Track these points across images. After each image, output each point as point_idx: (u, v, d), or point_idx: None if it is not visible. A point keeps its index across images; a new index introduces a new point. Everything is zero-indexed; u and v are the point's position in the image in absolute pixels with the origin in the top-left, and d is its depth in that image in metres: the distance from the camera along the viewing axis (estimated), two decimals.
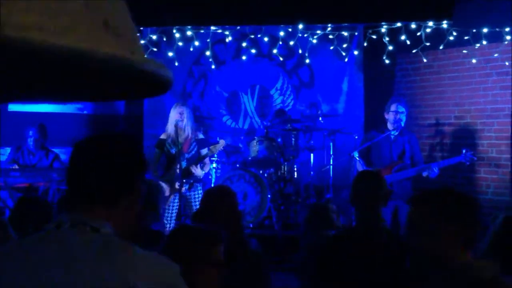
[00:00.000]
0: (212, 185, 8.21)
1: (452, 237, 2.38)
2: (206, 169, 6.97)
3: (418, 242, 2.46)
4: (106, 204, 1.88)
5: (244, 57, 8.76)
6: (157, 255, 1.86)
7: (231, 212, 3.68)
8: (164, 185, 6.66)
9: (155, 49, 7.59)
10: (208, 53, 8.60)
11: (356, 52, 8.48)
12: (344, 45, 7.50)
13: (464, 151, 6.56)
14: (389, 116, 6.82)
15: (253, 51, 8.81)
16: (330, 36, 7.35)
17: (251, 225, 7.87)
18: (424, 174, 6.60)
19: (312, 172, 8.45)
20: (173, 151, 6.72)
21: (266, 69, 9.28)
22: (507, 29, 6.93)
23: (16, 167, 7.42)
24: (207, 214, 3.66)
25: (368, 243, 3.54)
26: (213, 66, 8.61)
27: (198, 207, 6.59)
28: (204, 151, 6.79)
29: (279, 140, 8.47)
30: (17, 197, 6.97)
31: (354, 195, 3.92)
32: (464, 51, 7.46)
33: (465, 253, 2.39)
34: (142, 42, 7.56)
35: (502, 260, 2.44)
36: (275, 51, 8.60)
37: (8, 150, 8.11)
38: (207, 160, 6.88)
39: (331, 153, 8.28)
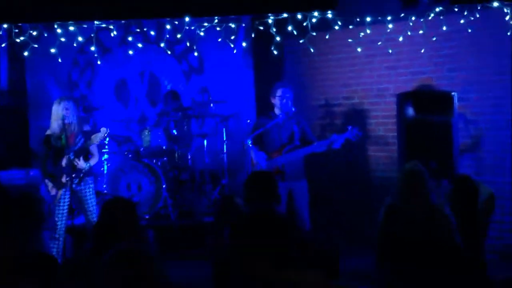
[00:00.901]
0: (105, 177, 8.02)
1: None
2: (94, 161, 6.74)
3: None
4: None
5: (130, 41, 8.47)
6: None
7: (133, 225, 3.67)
8: (49, 183, 6.48)
9: (35, 45, 7.26)
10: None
11: (244, 44, 8.46)
12: (232, 37, 7.46)
13: (350, 127, 6.71)
14: (276, 101, 6.90)
15: (140, 35, 8.53)
16: (218, 28, 7.29)
17: (147, 216, 7.76)
18: (322, 149, 6.71)
19: (206, 159, 8.42)
20: (59, 145, 6.51)
21: (154, 54, 9.10)
22: (389, 18, 7.16)
23: None
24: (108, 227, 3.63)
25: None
26: (95, 55, 8.31)
27: (90, 201, 6.52)
28: (88, 142, 6.57)
29: (171, 127, 8.37)
30: None
31: (247, 196, 3.96)
32: (349, 40, 7.64)
33: None
34: (22, 38, 7.20)
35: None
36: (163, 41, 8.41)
37: None
38: (95, 151, 6.67)
39: (224, 138, 8.28)
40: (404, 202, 4.62)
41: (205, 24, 7.32)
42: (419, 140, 6.87)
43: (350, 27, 7.36)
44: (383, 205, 4.84)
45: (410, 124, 7.01)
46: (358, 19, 7.12)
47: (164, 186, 7.82)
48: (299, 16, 6.89)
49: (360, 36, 7.46)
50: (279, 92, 6.87)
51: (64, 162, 6.44)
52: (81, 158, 6.47)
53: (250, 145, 6.80)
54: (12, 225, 4.08)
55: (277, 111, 6.91)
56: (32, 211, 4.47)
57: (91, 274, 3.50)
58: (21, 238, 4.02)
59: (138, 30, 8.19)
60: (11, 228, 4.07)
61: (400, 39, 7.36)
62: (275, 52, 7.27)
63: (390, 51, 7.65)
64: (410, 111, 7.02)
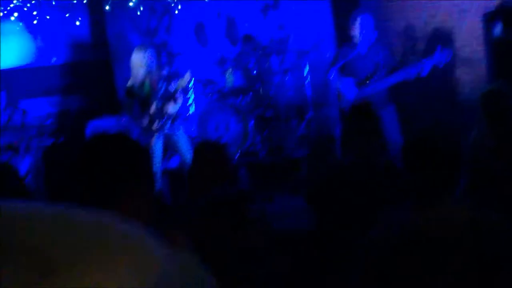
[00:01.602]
0: (192, 120, 8.18)
1: None
2: (180, 102, 6.87)
3: None
4: None
5: None
6: None
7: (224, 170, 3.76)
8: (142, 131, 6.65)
9: None
10: None
11: None
12: None
13: (439, 48, 6.52)
14: (356, 31, 6.76)
15: None
16: None
17: (237, 155, 7.90)
18: (410, 77, 6.56)
19: (290, 94, 8.44)
20: (143, 94, 6.64)
21: None
22: None
23: None
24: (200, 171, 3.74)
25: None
26: (175, 1, 8.40)
27: (182, 144, 6.69)
28: (173, 86, 6.67)
29: (252, 66, 8.39)
30: None
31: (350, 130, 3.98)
32: None
33: None
34: None
35: None
36: None
37: None
38: (178, 95, 6.78)
39: (305, 73, 8.26)
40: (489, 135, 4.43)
41: None
42: (509, 60, 6.63)
43: None
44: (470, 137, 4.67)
45: (498, 44, 6.76)
46: None
47: (250, 124, 7.91)
48: None
49: None
50: (358, 20, 6.74)
51: (152, 109, 6.58)
52: (172, 100, 6.59)
53: (334, 76, 6.74)
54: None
55: (359, 40, 6.78)
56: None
57: (189, 219, 3.63)
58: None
59: None
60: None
61: None
62: None
63: None
64: (498, 29, 6.77)
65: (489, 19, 6.91)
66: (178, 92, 6.69)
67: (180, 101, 6.81)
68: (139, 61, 6.57)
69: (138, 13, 7.92)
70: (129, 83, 6.74)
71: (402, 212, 2.52)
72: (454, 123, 7.83)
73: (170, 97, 6.63)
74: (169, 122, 6.67)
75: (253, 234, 2.85)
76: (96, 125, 8.15)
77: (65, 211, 0.77)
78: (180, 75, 7.09)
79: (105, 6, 8.00)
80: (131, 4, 7.47)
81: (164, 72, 6.84)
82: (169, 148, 6.93)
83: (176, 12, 8.61)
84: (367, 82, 6.72)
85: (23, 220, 0.73)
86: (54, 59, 9.09)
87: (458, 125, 7.67)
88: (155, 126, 6.60)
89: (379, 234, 2.48)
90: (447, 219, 2.36)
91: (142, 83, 6.61)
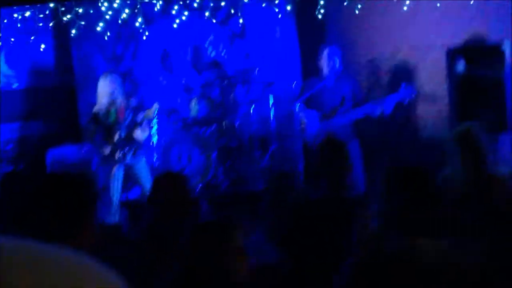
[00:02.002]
0: (155, 150, 8.11)
1: None
2: (146, 133, 6.83)
3: None
4: None
5: (174, 11, 8.45)
6: None
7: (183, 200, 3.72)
8: (102, 159, 6.59)
9: (82, 23, 7.39)
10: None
11: (288, 7, 8.36)
12: (276, 1, 7.42)
13: (403, 85, 6.59)
14: (323, 62, 6.82)
15: (182, 4, 8.51)
16: None
17: (199, 185, 7.84)
18: (377, 112, 6.61)
19: (254, 125, 8.42)
20: (109, 122, 6.57)
21: (197, 23, 9.05)
22: None
23: None
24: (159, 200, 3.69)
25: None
26: (142, 26, 8.34)
27: (143, 174, 6.63)
28: (140, 117, 6.63)
29: (217, 96, 8.38)
30: None
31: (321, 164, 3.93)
32: None
33: None
34: (69, 16, 7.31)
35: None
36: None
37: None
38: (145, 124, 6.73)
39: (271, 104, 8.25)
40: (460, 174, 4.42)
41: None
42: (471, 96, 6.71)
43: None
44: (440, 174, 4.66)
45: (461, 80, 6.84)
46: None
47: (213, 155, 7.87)
48: None
49: None
50: (326, 52, 6.80)
51: (116, 137, 6.51)
52: (138, 130, 6.52)
53: (299, 108, 6.75)
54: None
55: (325, 72, 6.84)
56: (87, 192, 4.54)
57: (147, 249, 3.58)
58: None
59: (181, 2, 8.17)
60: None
61: None
62: (319, 16, 7.16)
63: (438, 4, 7.45)
64: (461, 66, 6.85)
65: (452, 55, 6.99)
66: (144, 122, 6.64)
67: (146, 132, 6.76)
68: (105, 88, 6.52)
69: (106, 38, 7.87)
70: (95, 109, 6.67)
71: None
72: (419, 160, 7.88)
73: (135, 127, 6.57)
74: (132, 152, 6.61)
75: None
76: (57, 153, 8.04)
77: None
78: (146, 105, 7.05)
79: (71, 31, 7.92)
80: (98, 28, 7.42)
81: (132, 101, 6.77)
82: (130, 178, 6.85)
83: (144, 38, 8.56)
84: (332, 115, 6.75)
85: None
86: (16, 83, 8.97)
87: (423, 162, 7.72)
88: (117, 155, 6.53)
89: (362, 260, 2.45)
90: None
91: (108, 111, 6.55)
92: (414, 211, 2.41)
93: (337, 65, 6.79)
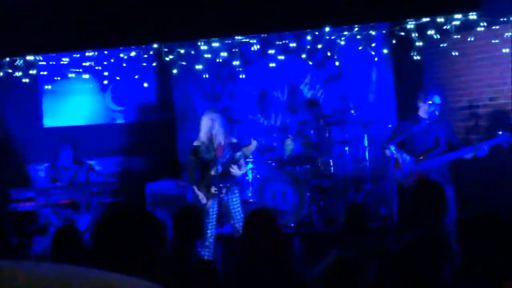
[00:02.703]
0: (250, 187, 8.25)
1: None
2: (243, 170, 6.97)
3: None
4: None
5: (271, 52, 8.65)
6: None
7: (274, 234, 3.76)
8: (200, 193, 6.72)
9: (183, 63, 7.74)
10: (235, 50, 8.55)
11: (385, 51, 8.45)
12: (373, 45, 7.49)
13: (500, 132, 6.53)
14: (424, 106, 6.83)
15: (279, 45, 8.70)
16: (358, 36, 7.33)
17: (292, 224, 7.89)
18: (469, 156, 6.58)
19: (348, 165, 8.43)
20: (207, 157, 6.74)
21: (293, 64, 9.24)
22: None
23: (62, 184, 7.51)
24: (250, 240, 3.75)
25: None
26: (240, 68, 8.59)
27: (236, 210, 6.73)
28: (238, 153, 6.78)
29: (312, 135, 8.45)
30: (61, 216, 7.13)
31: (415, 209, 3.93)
32: (494, 41, 7.42)
33: None
34: (171, 57, 7.66)
35: None
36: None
37: (44, 166, 8.25)
38: (242, 161, 6.86)
39: (366, 144, 8.25)
40: None
41: (345, 33, 7.39)
42: None
43: (495, 27, 7.13)
44: None
45: None
46: (503, 19, 6.89)
47: (307, 194, 7.92)
48: (441, 20, 6.75)
49: (505, 36, 7.22)
50: (429, 98, 6.82)
51: (213, 172, 6.67)
52: (236, 166, 6.67)
53: (394, 151, 6.77)
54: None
55: (422, 114, 6.85)
56: (195, 222, 4.69)
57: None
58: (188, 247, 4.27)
59: (279, 43, 8.36)
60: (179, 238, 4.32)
61: None
62: (416, 57, 7.17)
63: None
64: None
65: None
66: (242, 159, 6.78)
67: (243, 168, 6.89)
68: (208, 125, 6.71)
69: (206, 76, 8.17)
70: (196, 143, 6.86)
71: None
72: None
73: (233, 163, 6.71)
74: (226, 187, 6.74)
75: None
76: (156, 187, 8.32)
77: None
78: (242, 143, 7.20)
79: (172, 70, 8.27)
80: (198, 68, 7.72)
81: (232, 140, 6.93)
82: (224, 213, 6.98)
83: (241, 76, 8.83)
84: (425, 157, 6.73)
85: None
86: (121, 119, 9.40)
87: None
88: (213, 190, 6.66)
89: None
90: None
91: (208, 146, 6.73)
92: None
93: (437, 112, 6.82)
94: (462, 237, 2.56)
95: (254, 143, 6.56)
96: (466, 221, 2.56)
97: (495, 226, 2.43)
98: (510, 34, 7.20)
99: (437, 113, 6.83)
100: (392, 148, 6.79)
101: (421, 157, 6.75)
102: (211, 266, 3.88)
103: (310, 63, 9.17)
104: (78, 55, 8.24)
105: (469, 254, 2.47)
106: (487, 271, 2.40)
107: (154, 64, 8.43)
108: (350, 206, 6.12)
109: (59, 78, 8.77)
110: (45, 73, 8.07)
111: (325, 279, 2.29)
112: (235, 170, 6.64)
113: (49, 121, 9.14)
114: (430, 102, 6.79)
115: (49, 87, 8.80)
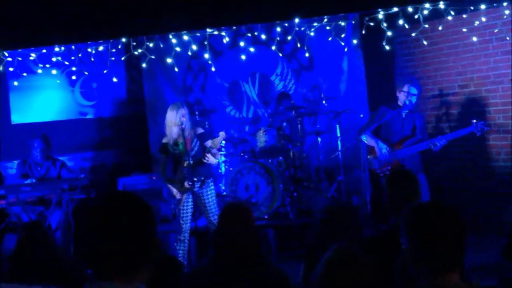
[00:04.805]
0: (223, 180, 8.23)
1: None
2: (218, 157, 6.87)
3: None
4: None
5: (241, 44, 8.59)
6: None
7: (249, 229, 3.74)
8: (173, 188, 6.67)
9: (153, 57, 7.66)
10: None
11: (355, 41, 8.49)
12: (342, 35, 7.51)
13: (474, 121, 6.60)
14: (401, 96, 6.90)
15: (249, 37, 8.64)
16: (328, 27, 7.34)
17: (266, 216, 7.89)
18: (431, 146, 6.68)
19: (321, 156, 8.44)
20: (177, 151, 6.67)
21: (264, 55, 9.22)
22: (505, 4, 6.94)
23: (33, 181, 7.39)
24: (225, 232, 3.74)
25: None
26: (209, 61, 8.53)
27: (210, 203, 6.69)
28: (208, 143, 6.67)
29: (284, 126, 8.44)
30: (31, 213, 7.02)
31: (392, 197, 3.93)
32: (463, 29, 7.50)
33: None
34: (140, 50, 7.58)
35: None
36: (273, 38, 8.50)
37: (15, 163, 8.12)
38: (215, 150, 6.75)
39: (338, 134, 8.27)
40: None
41: (315, 24, 7.38)
42: None
43: (464, 15, 7.19)
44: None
45: None
46: (472, 7, 6.95)
47: (281, 185, 7.92)
48: (410, 9, 6.77)
49: (474, 24, 7.29)
50: (406, 88, 6.88)
51: (185, 165, 6.60)
52: (209, 154, 6.57)
53: (365, 141, 6.79)
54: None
55: (400, 103, 6.91)
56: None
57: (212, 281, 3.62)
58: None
59: (249, 34, 8.32)
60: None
61: None
62: (386, 47, 7.20)
63: (508, 38, 7.40)
64: None
65: None
66: (212, 151, 6.68)
67: (218, 156, 6.80)
68: (173, 119, 6.60)
69: (176, 69, 8.09)
70: (164, 140, 6.78)
71: None
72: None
73: (203, 156, 6.62)
74: (200, 181, 6.67)
75: None
76: (127, 182, 8.25)
77: None
78: (214, 134, 7.13)
79: (142, 64, 8.19)
80: (168, 61, 7.63)
81: (198, 131, 6.83)
82: (198, 207, 6.94)
83: (212, 69, 8.77)
84: (400, 146, 6.78)
85: None
86: (91, 113, 9.30)
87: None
88: (186, 184, 6.61)
89: None
90: None
91: (176, 141, 6.64)
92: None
93: (414, 101, 6.88)
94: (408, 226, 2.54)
95: (222, 134, 6.48)
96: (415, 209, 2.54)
97: (439, 214, 2.43)
98: (478, 22, 7.25)
99: (414, 102, 6.89)
100: (364, 138, 6.81)
101: (396, 147, 6.81)
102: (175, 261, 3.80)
103: (281, 54, 9.16)
104: (45, 51, 8.09)
105: (415, 242, 2.47)
106: (430, 260, 2.40)
107: (123, 58, 8.32)
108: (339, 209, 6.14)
109: (26, 74, 8.62)
110: (12, 69, 7.92)
111: (326, 275, 2.25)
112: (210, 159, 6.57)
113: (17, 118, 8.99)
114: (407, 91, 6.84)
115: (17, 83, 8.65)
